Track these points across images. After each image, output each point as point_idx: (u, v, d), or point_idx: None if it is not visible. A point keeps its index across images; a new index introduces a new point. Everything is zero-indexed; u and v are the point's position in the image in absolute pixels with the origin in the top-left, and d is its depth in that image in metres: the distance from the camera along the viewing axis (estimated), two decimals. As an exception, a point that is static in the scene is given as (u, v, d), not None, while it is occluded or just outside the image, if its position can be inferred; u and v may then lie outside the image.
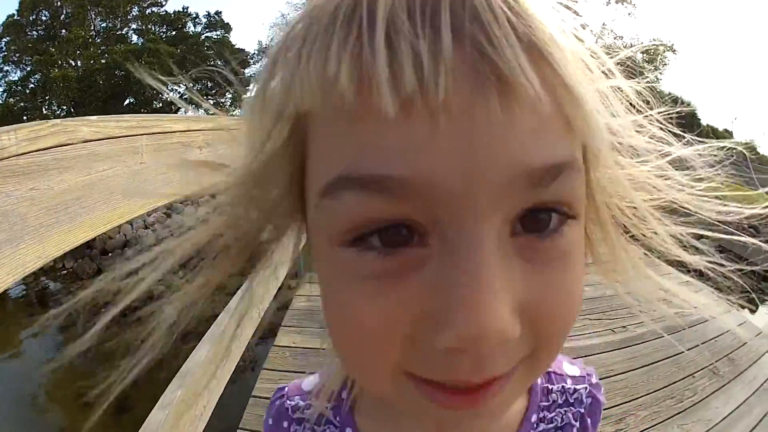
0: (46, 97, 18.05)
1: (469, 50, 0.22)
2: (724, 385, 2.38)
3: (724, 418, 2.16)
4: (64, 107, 18.07)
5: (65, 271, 11.03)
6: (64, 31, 18.90)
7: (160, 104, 19.67)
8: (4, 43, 18.61)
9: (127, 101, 18.61)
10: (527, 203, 0.24)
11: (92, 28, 20.00)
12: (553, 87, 0.23)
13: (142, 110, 18.66)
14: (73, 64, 18.58)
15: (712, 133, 29.42)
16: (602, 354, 2.60)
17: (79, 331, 0.31)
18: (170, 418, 1.19)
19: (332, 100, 0.23)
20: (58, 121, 0.95)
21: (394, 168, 0.23)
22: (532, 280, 0.24)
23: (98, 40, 19.39)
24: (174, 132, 1.46)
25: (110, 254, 11.12)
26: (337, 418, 0.43)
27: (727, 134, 29.58)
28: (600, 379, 0.52)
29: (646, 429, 2.07)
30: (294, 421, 0.45)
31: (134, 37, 21.53)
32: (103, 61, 18.04)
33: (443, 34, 0.22)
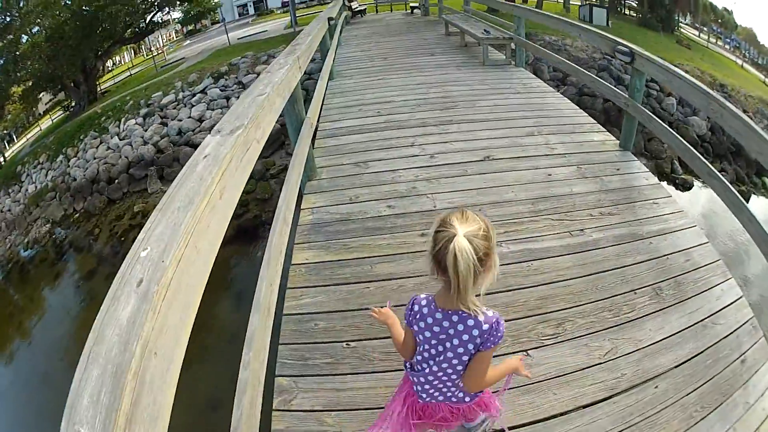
0: (19, 67, 17.79)
1: None
2: (662, 309, 2.24)
3: (654, 343, 2.05)
4: (38, 66, 17.92)
5: (78, 214, 10.74)
6: (21, 3, 18.12)
7: (137, 30, 20.41)
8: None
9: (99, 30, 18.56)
10: None
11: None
12: None
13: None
14: (39, 29, 18.00)
15: (711, 10, 28.13)
16: (556, 258, 2.59)
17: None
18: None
19: None
20: None
21: None
22: None
23: (59, -6, 18.68)
24: None
25: (117, 181, 10.78)
26: None
27: (726, 13, 28.17)
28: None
29: (581, 336, 2.08)
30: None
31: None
32: (69, 13, 17.44)
33: None
